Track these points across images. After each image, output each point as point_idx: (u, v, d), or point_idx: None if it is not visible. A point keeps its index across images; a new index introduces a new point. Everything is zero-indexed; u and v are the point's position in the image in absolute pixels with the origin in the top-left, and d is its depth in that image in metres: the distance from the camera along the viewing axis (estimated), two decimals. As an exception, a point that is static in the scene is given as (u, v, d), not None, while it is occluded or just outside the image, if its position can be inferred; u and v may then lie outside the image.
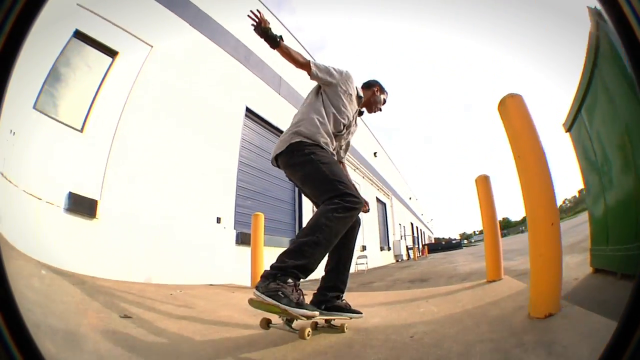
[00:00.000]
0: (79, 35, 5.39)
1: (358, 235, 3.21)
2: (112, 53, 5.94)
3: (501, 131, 2.68)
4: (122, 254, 5.49)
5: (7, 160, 3.85)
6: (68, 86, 5.17)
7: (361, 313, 2.88)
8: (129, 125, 6.01)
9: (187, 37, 8.02)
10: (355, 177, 19.52)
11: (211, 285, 6.48)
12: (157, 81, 6.79)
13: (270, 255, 8.98)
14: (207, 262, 7.41)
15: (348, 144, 3.44)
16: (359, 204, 2.57)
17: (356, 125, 3.33)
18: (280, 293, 2.12)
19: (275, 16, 13.05)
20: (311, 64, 2.84)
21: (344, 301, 2.88)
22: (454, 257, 21.17)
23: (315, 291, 2.86)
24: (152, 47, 6.70)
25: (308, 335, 2.24)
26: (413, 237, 39.34)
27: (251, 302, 2.28)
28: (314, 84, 3.08)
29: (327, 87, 2.97)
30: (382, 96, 3.43)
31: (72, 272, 4.06)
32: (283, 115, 11.02)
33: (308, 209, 12.61)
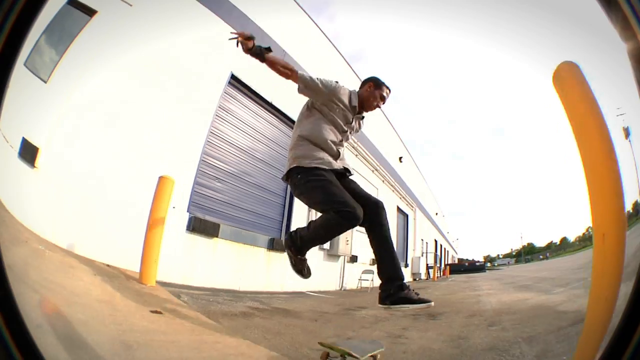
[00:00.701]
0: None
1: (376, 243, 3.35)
2: (90, 12, 5.75)
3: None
4: (52, 211, 5.09)
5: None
6: (44, 41, 5.07)
7: (430, 302, 2.91)
8: (94, 80, 5.76)
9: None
10: (374, 180, 17.71)
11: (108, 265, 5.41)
12: (130, 40, 6.41)
13: (234, 252, 8.34)
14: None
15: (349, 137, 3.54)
16: (353, 216, 2.85)
17: (358, 129, 3.64)
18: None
19: (313, 21, 12.93)
20: (299, 77, 3.06)
21: (411, 291, 2.93)
22: (477, 281, 19.34)
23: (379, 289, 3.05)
24: (131, 5, 6.32)
25: None
26: (435, 255, 36.70)
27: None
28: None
29: (318, 100, 3.16)
30: (378, 91, 3.43)
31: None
32: (282, 93, 10.06)
33: (301, 205, 10.56)
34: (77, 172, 5.53)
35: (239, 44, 2.93)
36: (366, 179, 16.46)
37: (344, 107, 3.23)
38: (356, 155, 15.27)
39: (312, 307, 7.43)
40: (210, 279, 7.73)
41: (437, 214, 41.18)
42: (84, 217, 5.54)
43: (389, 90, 3.49)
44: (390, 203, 20.52)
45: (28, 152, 4.82)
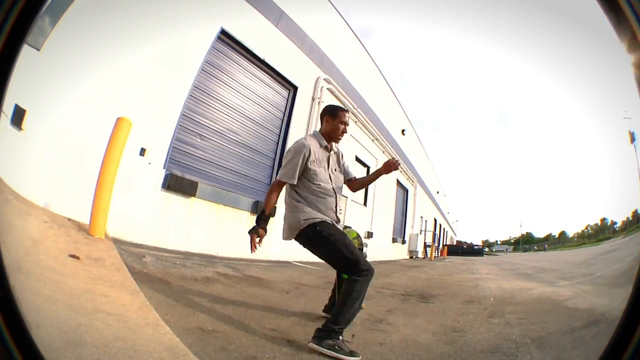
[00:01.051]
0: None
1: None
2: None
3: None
4: (33, 171, 4.84)
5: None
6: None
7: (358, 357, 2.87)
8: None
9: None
10: (374, 150, 16.75)
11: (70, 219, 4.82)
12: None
13: (213, 214, 7.74)
14: (115, 205, 5.36)
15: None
16: (373, 273, 3.06)
17: (339, 159, 3.85)
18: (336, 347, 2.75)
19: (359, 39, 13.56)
20: (279, 180, 3.49)
21: (344, 342, 2.92)
22: (475, 265, 18.56)
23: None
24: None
25: None
26: (434, 234, 35.92)
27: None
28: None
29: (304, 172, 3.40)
30: (337, 120, 3.54)
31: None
32: (276, 50, 9.52)
33: None
34: (57, 131, 5.15)
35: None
36: (365, 148, 15.65)
37: (316, 154, 3.44)
38: (355, 122, 14.24)
39: (291, 278, 6.67)
40: (185, 242, 7.06)
41: (438, 192, 40.04)
42: (62, 175, 5.17)
43: (346, 112, 3.62)
44: (390, 175, 19.12)
45: (18, 117, 4.62)
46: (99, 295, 2.57)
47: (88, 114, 5.46)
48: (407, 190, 24.13)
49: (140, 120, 6.04)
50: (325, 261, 3.40)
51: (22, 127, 4.67)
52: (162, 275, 4.31)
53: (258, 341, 2.85)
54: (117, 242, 5.23)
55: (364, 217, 15.80)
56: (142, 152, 6.29)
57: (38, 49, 4.85)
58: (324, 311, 3.95)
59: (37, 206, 4.53)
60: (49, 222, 4.03)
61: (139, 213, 6.25)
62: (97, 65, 5.61)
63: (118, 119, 4.88)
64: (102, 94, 5.66)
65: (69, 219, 4.74)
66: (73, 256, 3.17)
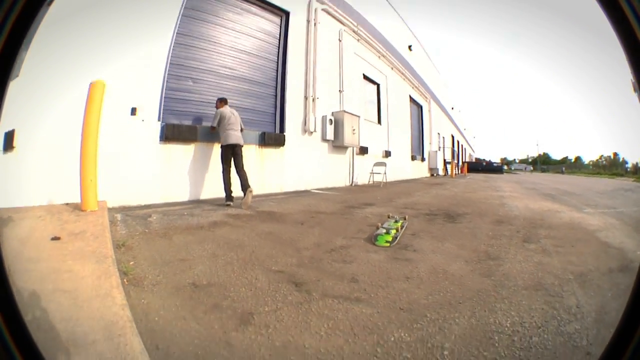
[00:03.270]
0: None
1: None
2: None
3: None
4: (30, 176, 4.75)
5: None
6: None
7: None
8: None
9: None
10: (381, 66, 15.73)
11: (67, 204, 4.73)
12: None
13: (219, 154, 6.81)
14: (115, 173, 5.65)
15: None
16: None
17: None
18: None
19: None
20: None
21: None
22: (497, 182, 18.19)
23: None
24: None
25: None
26: (452, 150, 35.18)
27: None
28: None
29: None
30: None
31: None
32: None
33: (294, 94, 9.67)
34: (47, 129, 5.04)
35: None
36: (373, 65, 14.66)
37: None
38: (358, 40, 13.23)
39: (307, 207, 6.29)
40: (195, 190, 6.85)
41: (453, 108, 38.69)
42: (58, 166, 5.03)
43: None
44: (402, 92, 18.67)
45: (8, 140, 4.75)
46: (63, 272, 2.38)
47: (74, 97, 5.09)
48: (421, 107, 23.10)
49: (125, 80, 5.91)
50: None
51: (14, 145, 4.74)
52: (165, 231, 4.02)
53: (259, 291, 2.44)
54: (123, 209, 5.32)
55: (380, 136, 15.15)
56: (133, 111, 6.02)
57: (17, 75, 4.75)
58: None
59: (35, 207, 4.45)
60: (43, 215, 3.95)
61: (141, 174, 6.08)
62: (74, 40, 5.33)
63: (91, 82, 4.69)
64: (84, 66, 5.33)
65: (67, 204, 4.67)
66: (55, 238, 3.12)
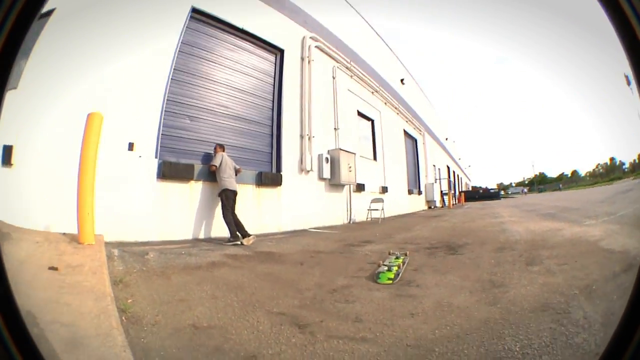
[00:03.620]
0: None
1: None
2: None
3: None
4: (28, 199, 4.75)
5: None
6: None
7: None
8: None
9: None
10: (375, 102, 16.04)
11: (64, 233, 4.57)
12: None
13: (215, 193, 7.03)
14: (112, 208, 5.55)
15: None
16: None
17: None
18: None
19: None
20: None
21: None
22: (495, 208, 17.87)
23: None
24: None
25: None
26: (449, 181, 35.33)
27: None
28: None
29: None
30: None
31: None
32: (253, 17, 8.95)
33: (290, 133, 9.71)
34: (45, 154, 5.13)
35: None
36: (366, 102, 14.93)
37: None
38: (351, 77, 13.55)
39: (306, 247, 6.24)
40: (192, 229, 6.78)
41: (447, 139, 39.07)
42: (56, 195, 5.05)
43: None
44: (396, 126, 18.84)
45: (7, 155, 4.80)
46: (62, 305, 2.33)
47: (72, 127, 5.09)
48: (415, 140, 23.33)
49: (123, 115, 5.92)
50: None
51: (12, 162, 4.79)
52: (163, 270, 3.98)
53: (261, 333, 2.39)
54: (120, 244, 5.12)
55: (376, 172, 15.24)
56: (131, 146, 6.00)
57: (15, 87, 4.85)
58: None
59: (32, 231, 4.39)
60: (41, 242, 3.91)
61: (138, 210, 6.02)
62: (72, 73, 5.44)
63: (88, 114, 4.66)
64: (82, 100, 5.38)
65: (64, 234, 4.54)
66: (52, 268, 3.09)
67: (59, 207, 4.90)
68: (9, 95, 4.15)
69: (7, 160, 4.77)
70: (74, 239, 4.28)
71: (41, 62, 5.14)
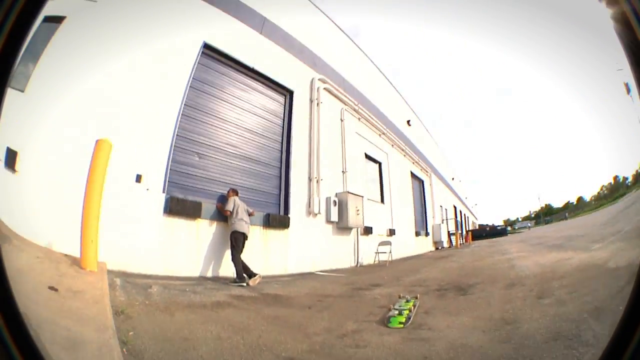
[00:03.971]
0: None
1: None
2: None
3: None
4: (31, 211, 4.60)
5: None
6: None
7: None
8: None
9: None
10: (382, 144, 16.24)
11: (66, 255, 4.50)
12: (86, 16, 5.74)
13: (223, 233, 7.22)
14: (116, 236, 5.40)
15: None
16: None
17: None
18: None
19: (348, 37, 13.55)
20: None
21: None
22: (503, 245, 17.60)
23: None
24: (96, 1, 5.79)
25: None
26: (456, 221, 35.13)
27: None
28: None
29: None
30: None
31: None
32: (264, 56, 9.17)
33: (298, 175, 9.74)
34: (51, 170, 5.07)
35: None
36: (373, 144, 15.11)
37: None
38: (359, 119, 13.86)
39: (313, 290, 6.15)
40: (197, 267, 6.69)
41: (453, 178, 39.19)
42: (59, 214, 4.94)
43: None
44: (403, 168, 18.86)
45: (10, 159, 4.71)
46: (62, 328, 2.30)
47: (79, 150, 5.12)
48: (422, 181, 23.41)
49: (132, 146, 5.94)
50: None
51: (16, 168, 4.65)
52: (167, 306, 3.91)
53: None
54: (123, 274, 5.02)
55: (384, 214, 15.21)
56: (138, 178, 5.98)
57: (22, 91, 4.88)
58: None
59: (33, 243, 4.32)
60: (42, 258, 3.87)
61: (143, 242, 5.93)
62: (83, 98, 5.48)
63: (97, 140, 4.61)
64: (92, 127, 5.40)
65: (65, 255, 4.45)
66: (52, 288, 3.09)
67: (62, 226, 4.81)
68: (18, 101, 4.60)
69: (10, 164, 4.71)
70: (75, 262, 4.24)
71: (53, 69, 5.29)
